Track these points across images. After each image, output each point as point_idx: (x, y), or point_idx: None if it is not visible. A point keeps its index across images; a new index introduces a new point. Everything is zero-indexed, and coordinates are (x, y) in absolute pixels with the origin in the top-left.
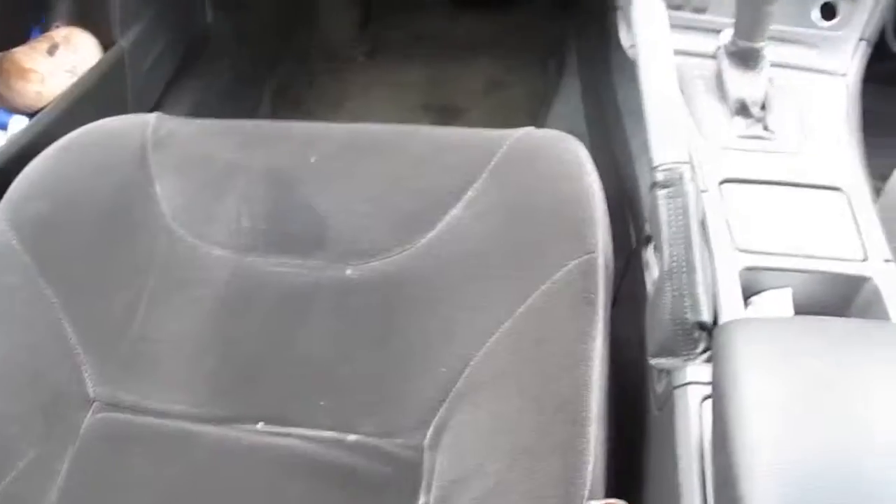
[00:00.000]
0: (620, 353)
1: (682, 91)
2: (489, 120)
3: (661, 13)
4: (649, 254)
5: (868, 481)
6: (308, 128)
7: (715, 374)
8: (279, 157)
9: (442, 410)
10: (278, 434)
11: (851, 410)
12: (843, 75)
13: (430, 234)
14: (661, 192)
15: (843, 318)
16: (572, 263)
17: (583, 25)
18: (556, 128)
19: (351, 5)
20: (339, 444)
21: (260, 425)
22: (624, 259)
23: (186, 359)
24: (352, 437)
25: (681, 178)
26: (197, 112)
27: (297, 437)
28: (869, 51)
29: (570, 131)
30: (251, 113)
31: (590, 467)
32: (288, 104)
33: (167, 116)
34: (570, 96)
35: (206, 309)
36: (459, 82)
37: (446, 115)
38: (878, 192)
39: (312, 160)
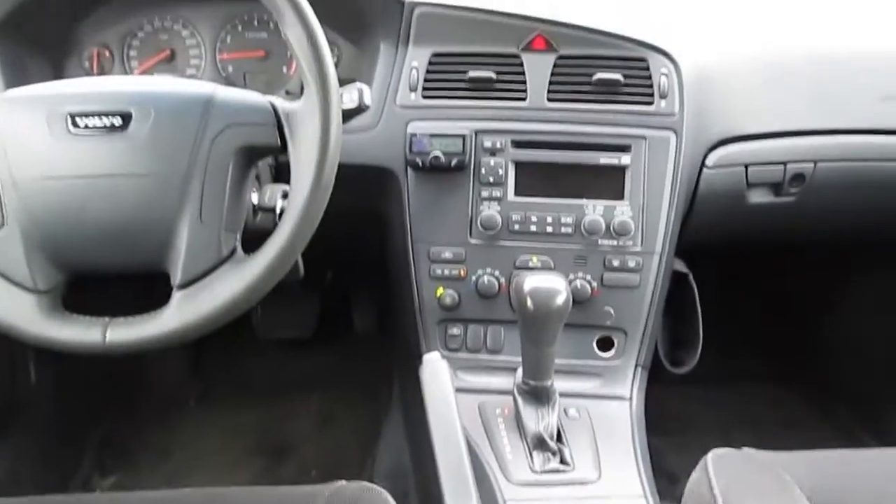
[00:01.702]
0: None
1: (485, 430)
2: (322, 457)
3: (445, 372)
4: None
5: None
6: (110, 500)
7: None
8: None
9: None
10: None
11: None
12: (627, 399)
13: None
14: None
15: None
16: None
17: (400, 361)
18: (387, 460)
19: (179, 350)
20: None
21: None
22: None
23: None
24: None
25: None
26: (9, 481)
27: None
28: (646, 375)
29: (400, 464)
30: (71, 470)
31: None
32: (113, 456)
33: None
34: (399, 426)
35: None
36: (291, 421)
37: (278, 456)
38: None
39: None
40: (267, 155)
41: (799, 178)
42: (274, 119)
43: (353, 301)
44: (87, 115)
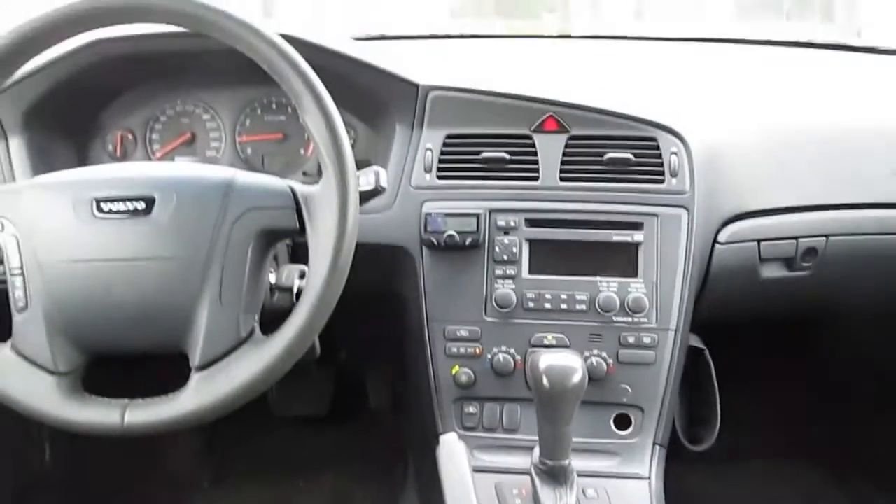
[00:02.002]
0: None
1: None
2: None
3: (462, 453)
4: None
5: None
6: None
7: None
8: None
9: None
10: None
11: None
12: (646, 478)
13: None
14: None
15: None
16: None
17: (415, 439)
18: None
19: (193, 431)
20: None
21: None
22: None
23: None
24: None
25: None
26: None
27: None
28: (664, 453)
29: None
30: None
31: None
32: None
33: None
34: (416, 501)
35: None
36: (306, 499)
37: None
38: None
39: None
40: (286, 237)
41: (811, 252)
42: (293, 203)
43: (367, 378)
44: (111, 199)
